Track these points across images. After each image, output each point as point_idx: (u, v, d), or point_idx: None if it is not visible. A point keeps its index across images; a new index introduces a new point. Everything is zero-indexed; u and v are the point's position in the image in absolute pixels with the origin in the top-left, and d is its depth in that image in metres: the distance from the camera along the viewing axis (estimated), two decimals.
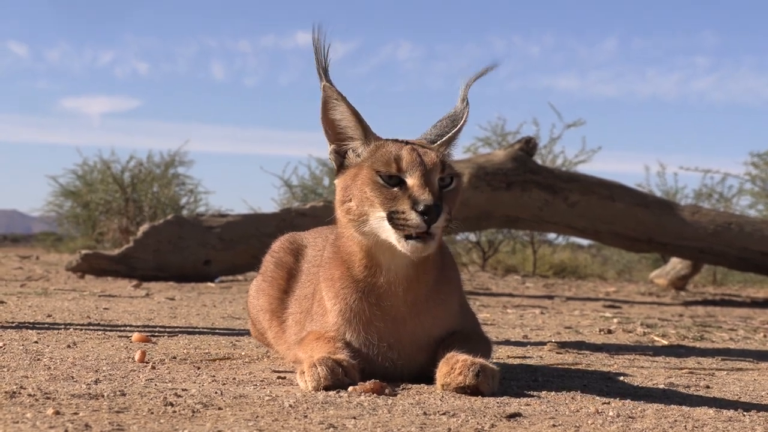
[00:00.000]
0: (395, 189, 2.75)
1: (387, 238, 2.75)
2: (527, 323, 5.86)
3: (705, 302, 9.41)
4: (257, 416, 2.31)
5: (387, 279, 2.86)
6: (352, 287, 2.90)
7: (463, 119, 3.03)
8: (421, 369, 2.90)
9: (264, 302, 3.49)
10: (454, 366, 2.77)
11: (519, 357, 3.94)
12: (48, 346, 3.60)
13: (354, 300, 2.89)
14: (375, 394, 2.66)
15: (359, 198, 2.79)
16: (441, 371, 2.80)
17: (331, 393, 2.67)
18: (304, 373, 2.76)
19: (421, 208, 2.68)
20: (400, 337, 2.89)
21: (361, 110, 2.92)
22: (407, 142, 2.89)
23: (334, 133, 2.93)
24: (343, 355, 2.80)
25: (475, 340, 2.99)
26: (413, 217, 2.68)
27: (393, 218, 2.71)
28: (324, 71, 2.89)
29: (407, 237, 2.70)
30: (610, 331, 5.43)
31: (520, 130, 14.57)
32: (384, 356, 2.89)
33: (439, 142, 2.96)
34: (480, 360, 2.79)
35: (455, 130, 3.00)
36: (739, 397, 3.03)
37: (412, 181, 2.74)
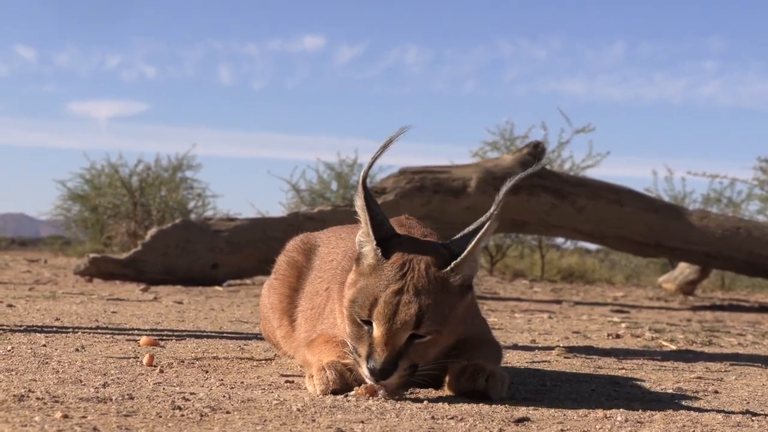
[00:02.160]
0: (365, 328, 2.67)
1: None
2: (535, 328, 5.85)
3: (713, 307, 9.39)
4: (265, 420, 2.31)
5: None
6: None
7: (486, 226, 2.74)
8: (430, 374, 2.90)
9: (275, 300, 3.49)
10: (463, 371, 2.77)
11: (527, 361, 3.93)
12: (56, 349, 3.60)
13: None
14: (371, 397, 2.66)
15: (343, 309, 2.80)
16: (450, 376, 2.80)
17: (339, 397, 2.67)
18: (312, 376, 2.76)
19: (371, 365, 2.62)
20: None
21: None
22: (407, 270, 2.68)
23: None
24: (351, 360, 2.80)
25: (485, 345, 2.98)
26: (363, 369, 2.66)
27: (353, 353, 2.70)
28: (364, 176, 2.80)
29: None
30: (618, 336, 5.42)
31: (528, 134, 14.55)
32: None
33: (453, 264, 2.71)
34: (489, 365, 2.79)
35: (473, 243, 2.72)
36: (748, 403, 3.02)
37: (376, 333, 2.64)
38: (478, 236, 2.71)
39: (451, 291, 2.70)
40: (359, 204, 2.77)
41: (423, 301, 2.63)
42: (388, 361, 2.61)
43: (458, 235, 2.79)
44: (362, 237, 2.78)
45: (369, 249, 2.74)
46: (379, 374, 2.62)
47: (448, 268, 2.70)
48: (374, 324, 2.63)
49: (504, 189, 2.74)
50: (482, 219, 2.75)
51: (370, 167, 2.79)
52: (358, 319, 2.67)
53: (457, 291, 2.72)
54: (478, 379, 2.74)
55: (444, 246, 2.78)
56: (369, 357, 2.63)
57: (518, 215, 8.95)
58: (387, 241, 2.75)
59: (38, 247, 21.77)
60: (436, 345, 2.69)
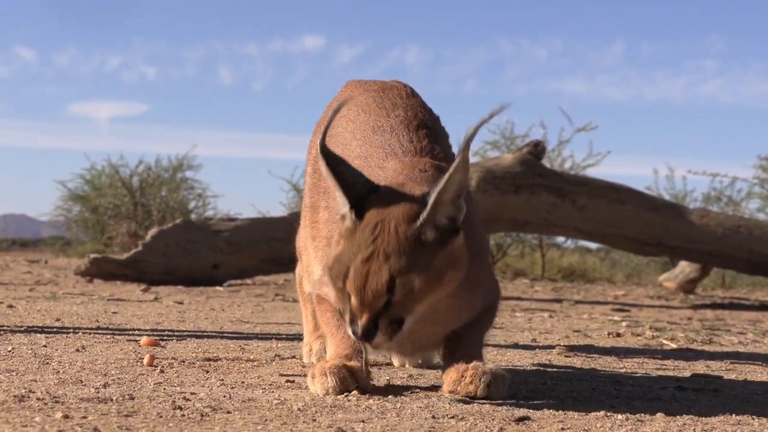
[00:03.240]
0: (346, 293, 2.63)
1: None
2: (536, 327, 5.85)
3: (714, 305, 9.39)
4: (266, 420, 2.31)
5: None
6: None
7: (453, 167, 2.59)
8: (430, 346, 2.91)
9: (305, 222, 3.51)
10: (464, 374, 2.74)
11: (528, 360, 3.93)
12: (57, 350, 3.60)
13: None
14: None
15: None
16: (449, 377, 2.77)
17: (340, 396, 2.67)
18: (315, 377, 2.76)
19: (353, 329, 2.62)
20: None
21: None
22: (378, 233, 2.60)
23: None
24: (357, 362, 2.79)
25: (483, 316, 2.95)
26: (349, 332, 2.65)
27: (341, 314, 2.69)
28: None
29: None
30: (618, 335, 5.42)
31: (529, 133, 14.56)
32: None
33: (421, 218, 2.61)
34: (490, 366, 2.77)
35: (436, 190, 2.61)
36: (749, 401, 3.02)
37: (352, 301, 2.61)
38: (441, 182, 2.59)
39: (427, 244, 2.61)
40: (323, 171, 2.70)
41: (392, 266, 2.56)
42: (367, 324, 2.59)
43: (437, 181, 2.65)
44: (339, 199, 2.73)
45: (345, 212, 2.68)
46: (362, 338, 2.62)
47: (418, 222, 2.61)
48: (350, 292, 2.61)
49: (472, 129, 2.58)
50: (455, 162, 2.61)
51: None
52: (336, 287, 2.65)
53: (434, 242, 2.62)
54: (480, 384, 2.72)
55: (423, 195, 2.65)
56: (351, 321, 2.62)
57: (519, 214, 8.95)
58: (363, 199, 2.67)
59: (39, 247, 21.79)
60: (421, 298, 2.62)
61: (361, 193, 2.69)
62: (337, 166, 2.70)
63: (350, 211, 2.66)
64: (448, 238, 2.65)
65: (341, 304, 2.66)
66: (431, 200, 2.60)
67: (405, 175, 2.87)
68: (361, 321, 2.59)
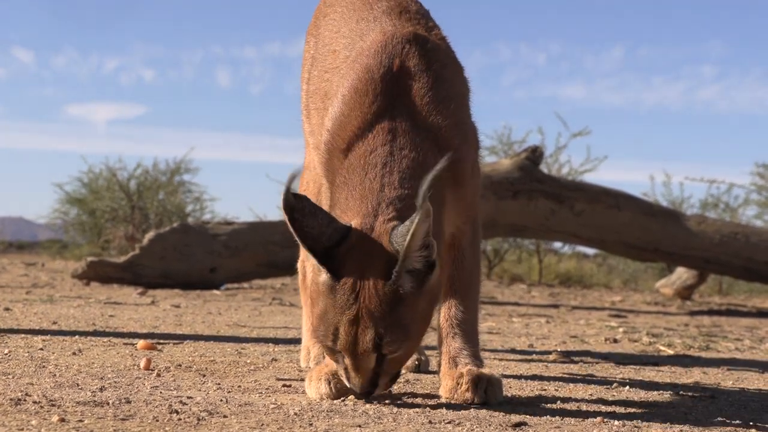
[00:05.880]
0: (337, 350, 2.62)
1: None
2: (533, 332, 5.85)
3: (711, 312, 9.39)
4: (262, 424, 2.31)
5: None
6: None
7: (415, 222, 2.50)
8: None
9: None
10: (459, 381, 2.77)
11: (524, 366, 3.93)
12: (53, 353, 3.60)
13: None
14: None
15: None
16: (445, 385, 2.80)
17: (336, 401, 2.68)
18: (311, 381, 2.77)
19: (352, 388, 2.64)
20: None
21: None
22: (358, 290, 2.56)
23: None
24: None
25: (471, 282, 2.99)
26: (349, 386, 2.66)
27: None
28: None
29: None
30: (615, 341, 5.42)
31: (526, 138, 14.57)
32: None
33: (394, 274, 2.56)
34: (484, 372, 2.78)
35: (405, 246, 2.53)
36: (745, 408, 3.02)
37: (346, 360, 2.61)
38: (408, 237, 2.51)
39: (406, 295, 2.58)
40: (288, 224, 2.60)
41: (378, 325, 2.54)
42: (366, 385, 2.62)
43: (400, 227, 2.57)
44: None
45: (317, 266, 2.61)
46: (363, 397, 2.66)
47: (392, 279, 2.56)
48: (342, 351, 2.60)
49: (428, 177, 2.50)
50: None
51: (290, 182, 2.61)
52: (326, 345, 2.63)
53: (413, 290, 2.59)
54: (478, 391, 2.74)
55: (395, 248, 2.57)
56: (348, 378, 2.63)
57: (517, 220, 8.95)
58: (333, 250, 2.59)
59: (36, 250, 21.74)
60: (411, 347, 2.64)
61: (329, 244, 2.59)
62: (302, 219, 2.59)
63: (322, 268, 2.59)
64: (425, 277, 2.62)
65: (333, 358, 2.67)
66: (401, 258, 2.54)
67: (384, 46, 2.87)
68: (359, 382, 2.61)
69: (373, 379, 2.61)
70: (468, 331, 2.92)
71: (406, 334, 2.58)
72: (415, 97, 2.83)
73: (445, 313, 2.93)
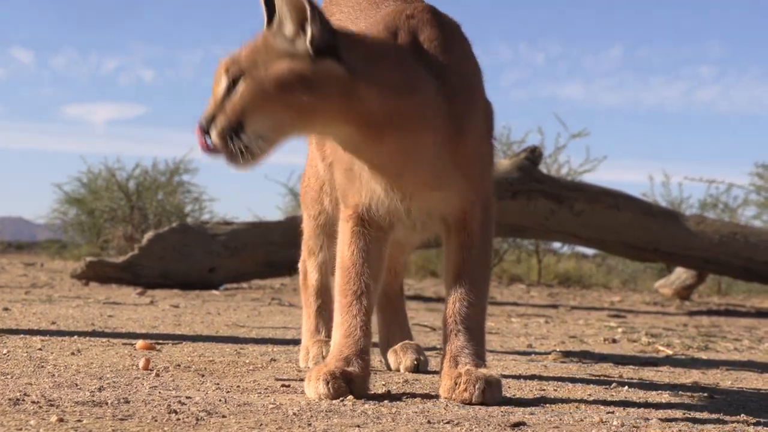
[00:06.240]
0: None
1: None
2: (532, 332, 5.85)
3: (710, 312, 9.40)
4: (261, 424, 2.31)
5: None
6: None
7: None
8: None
9: None
10: (457, 381, 2.77)
11: (523, 366, 3.93)
12: (52, 353, 3.60)
13: None
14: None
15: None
16: (444, 385, 2.80)
17: (335, 401, 2.68)
18: (311, 380, 2.77)
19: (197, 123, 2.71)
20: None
21: None
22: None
23: None
24: (356, 368, 2.80)
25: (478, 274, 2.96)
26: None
27: None
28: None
29: None
30: (614, 341, 5.42)
31: (525, 139, 14.57)
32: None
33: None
34: (483, 372, 2.78)
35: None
36: (744, 407, 3.02)
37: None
38: None
39: (279, 50, 2.69)
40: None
41: (235, 67, 2.72)
42: (210, 113, 2.70)
43: None
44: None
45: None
46: (206, 124, 2.70)
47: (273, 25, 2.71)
48: None
49: None
50: None
51: None
52: None
53: (285, 51, 2.68)
54: (475, 391, 2.73)
55: None
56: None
57: (517, 220, 8.94)
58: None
59: (35, 250, 21.73)
60: (244, 102, 2.67)
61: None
62: None
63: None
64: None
65: None
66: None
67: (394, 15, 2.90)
68: (205, 112, 2.69)
69: (212, 115, 2.68)
70: (472, 327, 2.89)
71: (251, 84, 2.66)
72: (428, 50, 2.84)
73: (450, 308, 2.90)
